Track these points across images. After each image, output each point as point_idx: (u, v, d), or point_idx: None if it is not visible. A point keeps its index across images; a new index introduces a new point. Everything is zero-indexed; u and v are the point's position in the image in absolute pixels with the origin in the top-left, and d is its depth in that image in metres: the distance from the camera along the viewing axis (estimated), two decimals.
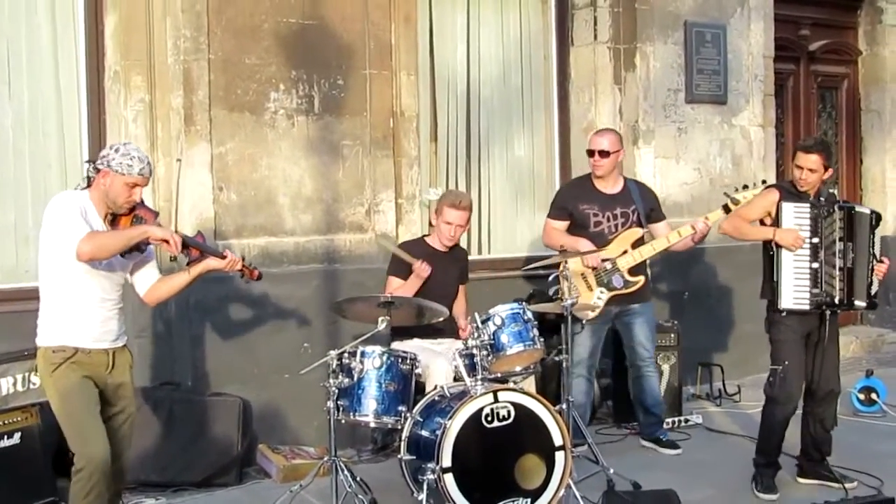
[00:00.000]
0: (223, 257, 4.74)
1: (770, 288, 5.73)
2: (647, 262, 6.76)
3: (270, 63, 6.64)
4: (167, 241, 4.42)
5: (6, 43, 6.27)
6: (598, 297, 6.50)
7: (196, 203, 6.38)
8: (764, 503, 5.67)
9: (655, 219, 6.76)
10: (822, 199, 5.70)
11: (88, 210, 4.43)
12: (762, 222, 5.78)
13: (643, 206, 6.68)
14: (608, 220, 6.61)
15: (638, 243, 6.58)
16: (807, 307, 5.64)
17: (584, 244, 6.47)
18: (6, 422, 5.35)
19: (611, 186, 6.68)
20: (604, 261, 6.48)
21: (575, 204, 6.68)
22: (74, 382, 4.38)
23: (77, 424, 4.36)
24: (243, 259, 4.85)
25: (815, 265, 5.61)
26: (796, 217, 5.63)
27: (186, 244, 4.55)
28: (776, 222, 5.68)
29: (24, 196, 6.30)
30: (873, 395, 7.48)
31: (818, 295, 5.61)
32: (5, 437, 5.33)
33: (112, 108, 6.48)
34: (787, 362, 5.65)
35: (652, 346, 6.82)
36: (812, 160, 5.62)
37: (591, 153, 6.66)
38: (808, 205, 5.64)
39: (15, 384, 5.58)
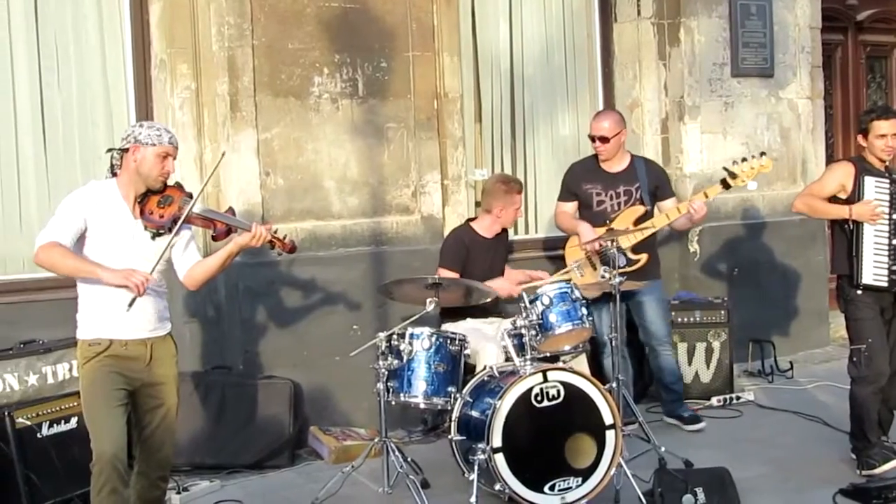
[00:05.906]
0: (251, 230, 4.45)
1: (848, 263, 5.53)
2: (655, 239, 6.71)
3: (314, 48, 6.66)
4: (126, 287, 4.15)
5: (53, 33, 6.34)
6: (601, 277, 6.45)
7: (243, 188, 6.42)
8: (886, 471, 5.45)
9: (662, 196, 6.66)
10: (894, 175, 5.54)
11: (107, 200, 4.32)
12: (835, 198, 5.58)
13: (648, 183, 6.60)
14: (611, 198, 6.59)
15: (640, 221, 6.52)
16: (885, 284, 5.48)
17: (584, 227, 6.47)
18: (62, 407, 5.43)
19: (615, 165, 6.64)
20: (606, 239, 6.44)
21: (578, 184, 6.69)
22: (99, 378, 4.29)
23: (93, 421, 4.29)
24: (275, 231, 4.60)
25: None
26: (877, 192, 5.46)
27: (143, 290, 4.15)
28: (854, 195, 5.48)
29: (75, 185, 6.28)
30: None
31: None
32: (62, 421, 5.41)
33: (159, 97, 6.55)
34: (870, 340, 5.49)
35: (664, 324, 6.76)
36: (894, 124, 5.47)
37: (591, 138, 6.64)
38: (887, 180, 5.48)
39: (71, 370, 5.64)
